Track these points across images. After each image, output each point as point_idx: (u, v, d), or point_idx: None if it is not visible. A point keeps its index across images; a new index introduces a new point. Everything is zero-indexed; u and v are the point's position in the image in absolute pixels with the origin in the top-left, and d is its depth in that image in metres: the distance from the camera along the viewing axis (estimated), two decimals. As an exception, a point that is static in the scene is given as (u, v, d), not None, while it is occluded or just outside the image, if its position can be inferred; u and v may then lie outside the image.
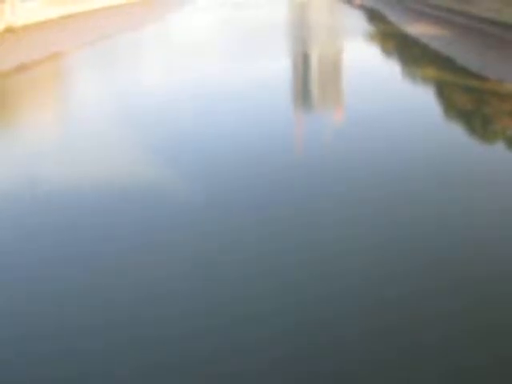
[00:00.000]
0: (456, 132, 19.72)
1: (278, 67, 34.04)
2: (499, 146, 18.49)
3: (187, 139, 19.81)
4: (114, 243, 11.73)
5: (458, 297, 8.77)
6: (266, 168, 16.49)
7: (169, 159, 17.77)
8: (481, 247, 10.79)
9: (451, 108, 23.75)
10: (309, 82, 31.87)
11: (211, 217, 12.97)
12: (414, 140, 18.30)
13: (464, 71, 28.65)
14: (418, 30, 44.76)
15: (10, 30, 64.36)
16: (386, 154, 17.07)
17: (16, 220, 13.49)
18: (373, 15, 62.61)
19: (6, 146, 20.91)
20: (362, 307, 8.57)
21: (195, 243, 11.59)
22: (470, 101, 24.79)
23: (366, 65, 33.46)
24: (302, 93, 28.61)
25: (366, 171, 15.67)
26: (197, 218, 12.90)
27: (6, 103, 29.16)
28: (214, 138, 19.93)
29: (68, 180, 16.50)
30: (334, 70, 35.23)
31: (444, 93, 26.37)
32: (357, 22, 58.67)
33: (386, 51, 40.17)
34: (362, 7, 74.87)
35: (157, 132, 21.25)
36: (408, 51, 38.38)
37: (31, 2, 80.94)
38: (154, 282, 9.83)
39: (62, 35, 59.13)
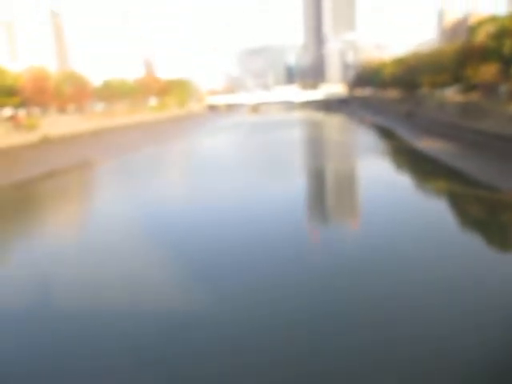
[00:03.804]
0: (472, 244, 19.65)
1: (294, 180, 35.33)
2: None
3: (204, 256, 20.02)
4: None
5: None
6: (281, 276, 16.57)
7: (184, 278, 17.99)
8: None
9: (465, 219, 23.99)
10: (324, 195, 32.88)
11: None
12: (430, 256, 17.96)
13: (474, 183, 29.41)
14: (427, 145, 46.79)
15: (46, 140, 69.30)
16: (401, 269, 16.82)
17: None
18: (383, 132, 65.96)
19: (18, 250, 21.50)
20: None
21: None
22: (483, 211, 25.12)
23: (378, 178, 34.51)
24: (318, 204, 29.40)
25: (379, 287, 15.52)
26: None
27: (28, 208, 30.43)
28: (233, 249, 20.30)
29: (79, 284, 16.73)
30: (348, 182, 36.42)
31: (457, 204, 26.83)
32: (368, 138, 61.68)
33: (398, 165, 41.67)
34: (373, 125, 79.10)
35: (169, 243, 21.74)
36: (419, 165, 39.77)
37: (68, 116, 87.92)
38: None
39: (92, 147, 63.13)
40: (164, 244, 20.64)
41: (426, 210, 24.72)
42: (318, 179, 37.71)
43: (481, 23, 61.39)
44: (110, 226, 24.30)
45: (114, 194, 33.49)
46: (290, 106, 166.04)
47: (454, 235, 20.45)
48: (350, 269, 16.79)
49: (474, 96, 56.65)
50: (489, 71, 51.99)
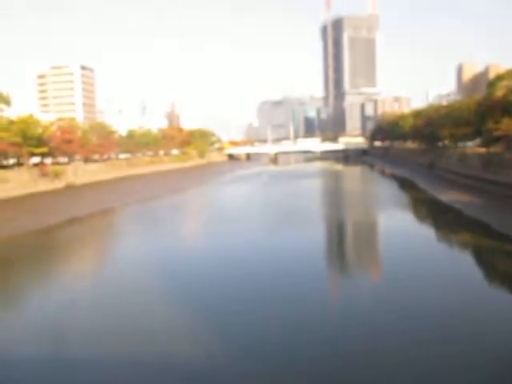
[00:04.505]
0: (503, 299, 18.84)
1: (313, 231, 34.88)
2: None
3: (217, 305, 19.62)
4: None
5: None
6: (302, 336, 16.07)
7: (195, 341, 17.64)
8: None
9: (492, 274, 23.13)
10: (345, 246, 32.35)
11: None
12: (453, 314, 17.19)
13: (500, 236, 28.57)
14: (450, 196, 46.08)
15: (70, 187, 70.93)
16: (421, 329, 15.96)
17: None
18: (405, 183, 65.47)
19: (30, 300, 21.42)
20: None
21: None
22: (511, 266, 24.22)
23: (400, 230, 33.89)
24: (338, 256, 28.87)
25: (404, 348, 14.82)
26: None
27: (47, 254, 30.68)
28: (250, 297, 19.87)
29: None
30: (370, 234, 35.85)
31: (483, 258, 25.98)
32: (390, 189, 61.26)
33: (422, 217, 41.00)
34: (394, 176, 78.78)
35: (182, 291, 21.41)
36: (442, 217, 39.04)
37: (92, 165, 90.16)
38: None
39: (113, 194, 64.08)
40: (178, 293, 20.34)
41: (451, 264, 23.98)
42: (338, 230, 37.19)
43: (500, 77, 61.95)
44: (127, 271, 24.17)
45: (132, 241, 33.57)
46: (309, 156, 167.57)
47: (480, 292, 19.64)
48: (368, 326, 16.13)
49: (497, 149, 56.26)
50: (511, 124, 51.83)
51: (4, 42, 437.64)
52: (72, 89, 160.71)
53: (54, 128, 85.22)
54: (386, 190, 60.54)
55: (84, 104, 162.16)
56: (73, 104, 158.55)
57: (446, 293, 19.19)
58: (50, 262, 28.40)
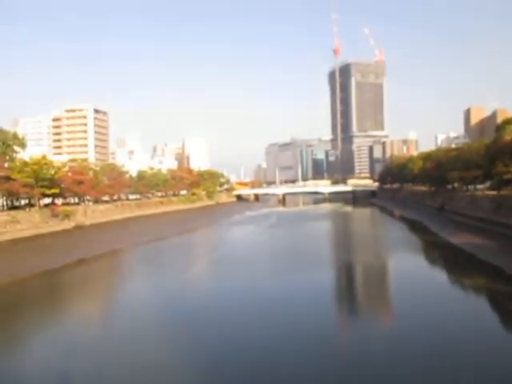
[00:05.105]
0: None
1: (323, 274, 34.37)
2: None
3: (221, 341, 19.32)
4: None
5: None
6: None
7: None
8: None
9: (508, 319, 22.53)
10: (355, 291, 31.78)
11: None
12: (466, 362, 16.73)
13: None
14: (461, 239, 45.47)
15: (79, 227, 71.23)
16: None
17: None
18: (414, 225, 64.90)
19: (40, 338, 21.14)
20: None
21: None
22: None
23: (411, 273, 33.37)
24: (349, 298, 28.38)
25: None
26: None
27: (53, 297, 30.55)
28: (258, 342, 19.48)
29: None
30: (379, 276, 35.30)
31: (497, 303, 25.36)
32: (400, 231, 60.70)
33: (433, 260, 40.39)
34: (403, 218, 78.21)
35: (187, 336, 21.03)
36: (454, 260, 38.45)
37: (102, 206, 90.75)
38: None
39: (121, 235, 64.12)
40: (184, 338, 19.97)
41: (464, 309, 23.41)
42: (347, 274, 36.63)
43: (508, 121, 62.54)
44: (131, 314, 23.88)
45: (140, 283, 33.30)
46: (318, 198, 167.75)
47: (492, 336, 19.09)
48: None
49: (507, 192, 55.98)
50: (520, 167, 51.84)
51: (17, 85, 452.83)
52: (85, 131, 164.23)
53: (65, 169, 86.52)
54: (397, 232, 59.96)
55: (96, 146, 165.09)
56: (85, 146, 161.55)
57: (457, 341, 18.73)
58: (55, 305, 28.29)
